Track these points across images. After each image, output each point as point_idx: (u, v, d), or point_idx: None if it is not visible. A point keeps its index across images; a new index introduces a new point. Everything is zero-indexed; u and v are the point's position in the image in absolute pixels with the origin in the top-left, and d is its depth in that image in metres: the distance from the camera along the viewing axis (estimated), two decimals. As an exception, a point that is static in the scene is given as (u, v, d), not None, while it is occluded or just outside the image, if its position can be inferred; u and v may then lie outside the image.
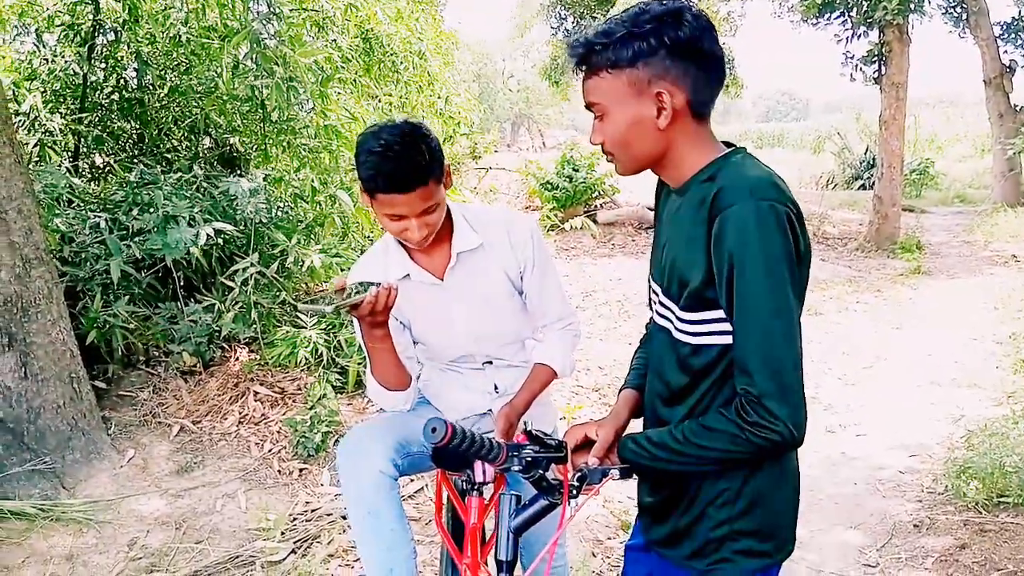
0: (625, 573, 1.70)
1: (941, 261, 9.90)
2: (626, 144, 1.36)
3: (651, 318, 1.59)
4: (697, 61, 1.30)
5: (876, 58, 10.73)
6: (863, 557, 3.28)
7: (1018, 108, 12.27)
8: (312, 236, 5.16)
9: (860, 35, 10.90)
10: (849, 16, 10.80)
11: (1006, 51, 12.39)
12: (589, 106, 1.38)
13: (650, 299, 1.56)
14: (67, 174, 4.76)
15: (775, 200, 1.23)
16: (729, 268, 1.24)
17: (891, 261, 10.05)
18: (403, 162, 1.68)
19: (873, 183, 11.50)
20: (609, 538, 3.39)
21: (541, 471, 1.45)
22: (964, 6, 12.12)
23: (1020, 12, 12.42)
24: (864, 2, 10.40)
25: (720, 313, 1.30)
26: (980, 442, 3.84)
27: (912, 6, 10.12)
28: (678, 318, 1.37)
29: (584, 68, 1.36)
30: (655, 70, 1.29)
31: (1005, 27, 12.38)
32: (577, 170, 12.09)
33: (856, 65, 11.08)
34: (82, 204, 4.68)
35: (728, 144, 1.41)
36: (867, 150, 16.52)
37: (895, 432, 4.51)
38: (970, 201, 14.78)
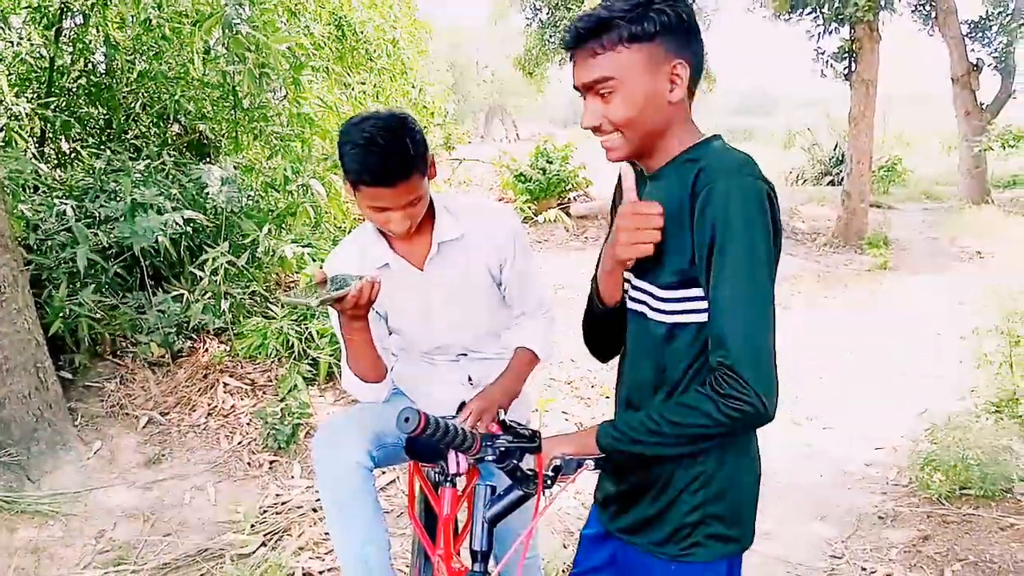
0: (577, 562, 1.71)
1: (908, 257, 10.06)
2: (637, 121, 1.34)
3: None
4: (698, 36, 1.35)
5: (847, 55, 10.85)
6: (829, 548, 3.33)
7: (984, 106, 12.48)
8: (283, 226, 5.11)
9: (831, 32, 11.03)
10: (820, 12, 10.91)
11: (973, 50, 12.60)
12: (593, 84, 1.34)
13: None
14: (33, 160, 4.67)
15: (757, 177, 1.26)
16: (711, 241, 1.26)
17: (859, 256, 10.19)
18: (388, 156, 1.67)
19: (842, 179, 11.64)
20: (580, 529, 3.41)
21: (515, 461, 1.45)
22: (933, 4, 12.29)
23: (987, 12, 12.62)
24: (835, -1, 10.52)
25: (698, 291, 1.31)
26: (943, 435, 3.91)
27: (882, 3, 10.25)
28: (655, 297, 1.38)
29: (593, 44, 1.32)
30: (673, 44, 1.31)
31: (972, 26, 12.60)
32: (551, 162, 12.09)
33: (827, 61, 11.22)
34: (48, 191, 4.60)
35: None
36: (836, 146, 16.72)
37: (861, 425, 4.58)
38: (937, 198, 15.03)
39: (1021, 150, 11.27)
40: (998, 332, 5.01)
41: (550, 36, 18.28)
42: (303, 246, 4.71)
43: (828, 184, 16.25)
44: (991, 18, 12.54)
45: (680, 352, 1.37)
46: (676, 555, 1.44)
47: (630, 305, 1.47)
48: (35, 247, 4.23)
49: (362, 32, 6.43)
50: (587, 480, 3.82)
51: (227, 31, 4.46)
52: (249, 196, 5.10)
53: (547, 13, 18.48)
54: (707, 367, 1.32)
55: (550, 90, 22.77)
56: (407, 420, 1.29)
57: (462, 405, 2.10)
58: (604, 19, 1.30)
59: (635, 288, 1.44)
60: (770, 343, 1.26)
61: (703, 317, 1.31)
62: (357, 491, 1.87)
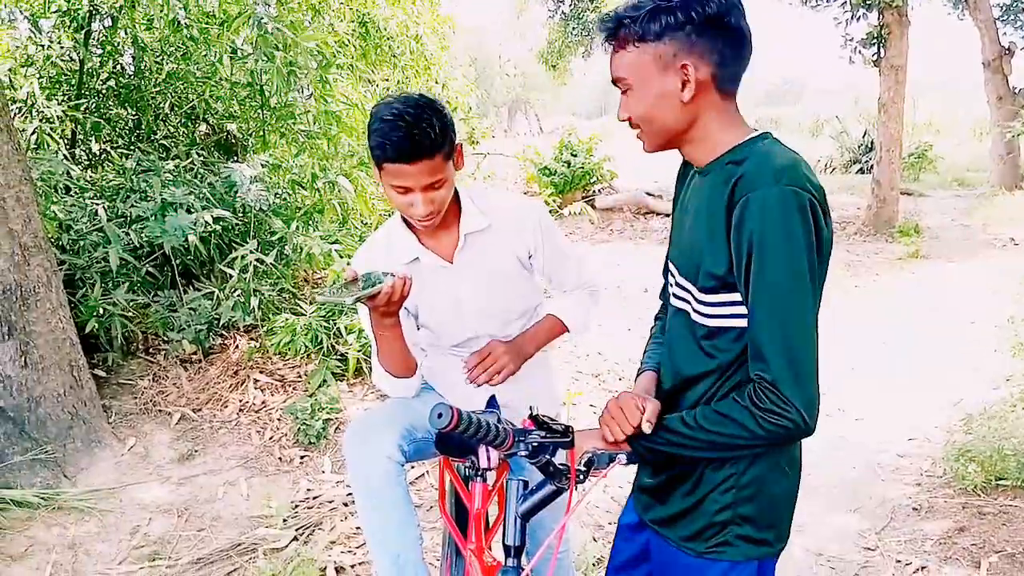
0: (616, 548, 1.71)
1: (939, 245, 9.90)
2: (651, 118, 1.38)
3: (663, 303, 1.60)
4: (724, 36, 1.31)
5: (875, 40, 10.67)
6: (862, 541, 3.29)
7: (1017, 91, 12.24)
8: (311, 223, 5.15)
9: (859, 17, 10.84)
10: (848, -1, 10.75)
11: (1005, 33, 12.37)
12: (616, 81, 1.40)
13: (667, 281, 1.57)
14: (64, 161, 4.74)
15: (798, 187, 1.23)
16: (748, 253, 1.25)
17: (889, 245, 10.04)
18: (412, 132, 1.67)
19: (871, 167, 11.48)
20: (610, 523, 3.40)
21: (548, 456, 1.45)
22: (963, -12, 12.08)
23: (1019, -6, 12.39)
24: (863, -16, 10.35)
25: (738, 296, 1.31)
26: (979, 426, 3.85)
27: (911, -12, 10.07)
28: (696, 299, 1.38)
29: (613, 42, 1.37)
30: (681, 44, 1.31)
31: (1004, 9, 12.36)
32: (575, 155, 12.06)
33: (855, 48, 11.03)
34: (80, 192, 4.67)
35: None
36: (865, 134, 16.49)
37: (894, 416, 4.52)
38: (968, 184, 14.77)
39: (1055, 135, 11.04)
40: (1034, 320, 4.93)
41: (573, 28, 18.21)
42: (331, 243, 4.74)
43: (857, 172, 16.03)
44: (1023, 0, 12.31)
45: (720, 353, 1.38)
46: (703, 552, 1.44)
47: (673, 301, 1.48)
48: (68, 247, 4.31)
49: (385, 29, 6.45)
50: (617, 474, 3.81)
51: (257, 30, 4.50)
52: (277, 194, 5.15)
53: (569, 5, 18.39)
54: (745, 371, 1.32)
55: (573, 83, 22.71)
56: (440, 416, 1.29)
57: (492, 399, 2.11)
58: (618, 18, 1.35)
59: (678, 285, 1.45)
60: (812, 357, 1.25)
61: (744, 322, 1.31)
62: (388, 485, 1.88)
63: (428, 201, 1.78)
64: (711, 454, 1.37)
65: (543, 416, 1.48)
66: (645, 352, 1.72)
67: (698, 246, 1.35)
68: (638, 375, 1.67)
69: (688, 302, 1.41)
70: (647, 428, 1.40)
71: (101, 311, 4.13)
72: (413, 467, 3.74)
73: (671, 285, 1.49)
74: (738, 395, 1.30)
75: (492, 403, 2.12)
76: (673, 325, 1.49)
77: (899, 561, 3.11)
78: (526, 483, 1.52)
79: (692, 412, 1.36)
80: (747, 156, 1.31)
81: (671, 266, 1.50)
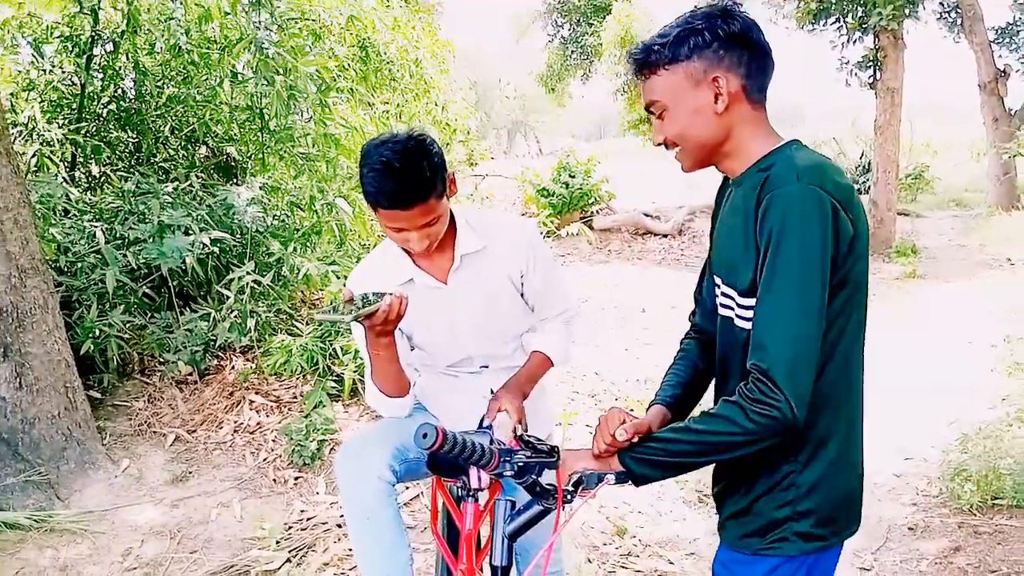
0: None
1: (936, 265, 9.92)
2: (688, 135, 1.44)
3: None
4: (748, 49, 1.40)
5: (871, 63, 10.77)
6: (859, 560, 3.28)
7: (1012, 112, 12.31)
8: (309, 244, 5.17)
9: (855, 40, 10.94)
10: (844, 22, 10.84)
11: (1000, 56, 12.45)
12: (649, 106, 1.48)
13: (703, 297, 1.65)
14: (64, 184, 4.77)
15: (819, 186, 1.28)
16: (767, 246, 1.29)
17: (887, 265, 10.06)
18: (404, 179, 1.69)
19: (869, 188, 11.53)
20: (605, 544, 3.39)
21: (534, 476, 1.46)
22: (959, 11, 12.17)
23: (1014, 17, 12.48)
24: (859, 8, 10.45)
25: None
26: (974, 445, 3.85)
27: (907, 12, 10.16)
28: (739, 304, 1.42)
29: (644, 71, 1.45)
30: (710, 60, 1.39)
31: (999, 32, 12.46)
32: (573, 176, 12.12)
33: (851, 71, 11.12)
34: (78, 214, 4.69)
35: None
36: (862, 155, 16.56)
37: (890, 435, 4.51)
38: (965, 205, 14.81)
39: (1051, 156, 11.10)
40: (1030, 340, 4.93)
41: (572, 52, 18.37)
42: (328, 264, 4.76)
43: (856, 192, 16.07)
44: (1018, 23, 12.39)
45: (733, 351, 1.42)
46: (760, 548, 1.45)
47: (720, 310, 1.51)
48: (65, 269, 4.32)
49: (385, 53, 6.50)
50: (612, 494, 3.81)
51: (258, 55, 4.54)
52: (275, 216, 5.17)
53: (568, 30, 18.57)
54: None
55: (572, 105, 22.84)
56: (425, 436, 1.30)
57: (481, 422, 2.12)
58: (647, 47, 1.44)
59: (723, 294, 1.48)
60: (810, 353, 1.28)
61: None
62: (380, 506, 1.88)
63: (424, 237, 1.81)
64: (704, 459, 1.39)
65: (528, 436, 1.49)
66: (663, 381, 1.74)
67: (737, 251, 1.40)
68: (650, 407, 1.68)
69: (732, 308, 1.45)
70: (620, 436, 1.43)
71: (97, 332, 4.13)
72: (408, 488, 3.73)
73: (717, 295, 1.52)
74: (732, 395, 1.32)
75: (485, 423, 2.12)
76: (722, 334, 1.52)
77: (895, 582, 3.10)
78: (513, 503, 1.53)
79: (674, 426, 1.38)
80: (775, 162, 1.38)
81: (715, 277, 1.53)
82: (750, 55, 1.40)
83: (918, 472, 4.07)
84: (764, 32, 1.43)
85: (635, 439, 1.45)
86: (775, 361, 1.26)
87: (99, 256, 4.27)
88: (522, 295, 2.08)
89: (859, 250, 1.34)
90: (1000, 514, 3.46)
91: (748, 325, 1.39)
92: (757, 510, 1.45)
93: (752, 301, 1.36)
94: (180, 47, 5.22)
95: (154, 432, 4.17)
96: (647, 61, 1.44)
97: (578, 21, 18.27)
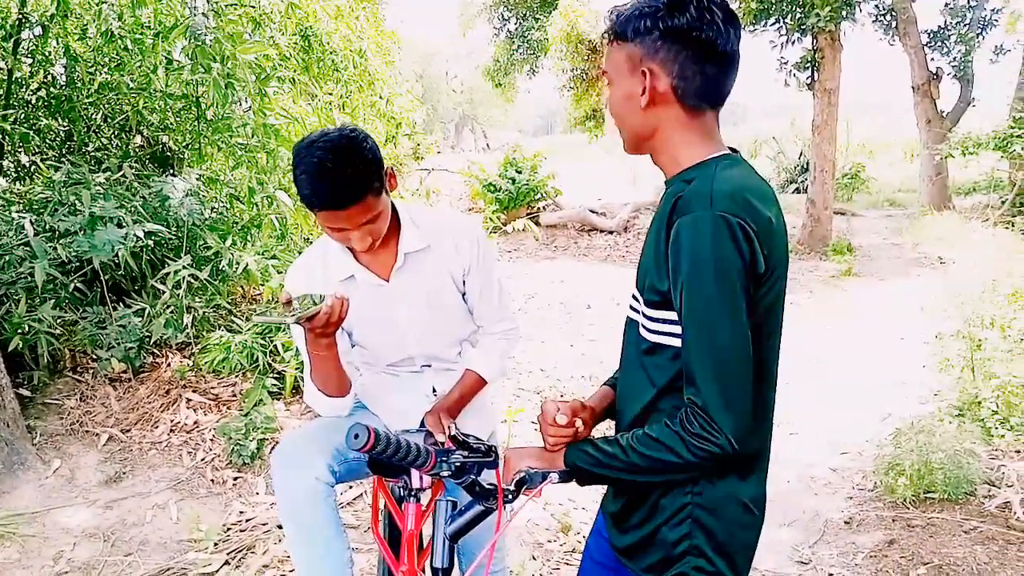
0: (588, 546, 1.68)
1: (871, 263, 10.21)
2: (620, 117, 1.41)
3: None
4: (692, 50, 1.30)
5: (809, 64, 11.01)
6: (796, 554, 3.35)
7: (945, 114, 12.71)
8: (248, 238, 5.05)
9: (794, 41, 11.17)
10: (784, 23, 11.06)
11: (933, 59, 12.82)
12: (603, 73, 1.44)
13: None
14: (-11, 173, 4.57)
15: (731, 212, 1.22)
16: (679, 276, 1.25)
17: (823, 263, 10.32)
18: (337, 180, 1.63)
19: (807, 187, 11.79)
20: (549, 541, 3.40)
21: (473, 476, 1.44)
22: (893, 14, 12.50)
23: (945, 22, 12.87)
24: (798, 9, 10.66)
25: (675, 315, 1.31)
26: (907, 440, 3.95)
27: (844, 14, 10.40)
28: (643, 314, 1.38)
29: (605, 35, 1.41)
30: (647, 49, 1.32)
31: (932, 35, 12.83)
32: (520, 172, 12.13)
33: (790, 71, 11.36)
34: (6, 205, 4.49)
35: (733, 150, 1.41)
36: (801, 154, 16.95)
37: (827, 430, 4.63)
38: (899, 205, 15.27)
39: (980, 157, 11.48)
40: (960, 337, 5.10)
41: (518, 47, 18.35)
42: (268, 258, 4.65)
43: (794, 192, 16.45)
44: (950, 28, 12.78)
45: (658, 370, 1.37)
46: None
47: (628, 312, 1.48)
48: (-9, 262, 4.14)
49: (328, 43, 6.39)
50: (557, 492, 3.81)
51: (193, 41, 4.41)
52: (213, 208, 5.03)
53: (515, 24, 18.55)
54: (679, 399, 1.31)
55: (520, 100, 22.85)
56: (357, 436, 1.27)
57: (423, 421, 2.09)
58: (610, 14, 1.39)
59: (633, 297, 1.45)
60: (742, 382, 1.24)
61: (679, 342, 1.30)
62: (317, 507, 1.84)
63: (364, 236, 1.76)
64: (644, 478, 1.35)
65: (463, 435, 1.47)
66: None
67: (649, 260, 1.35)
68: (601, 386, 1.66)
69: (638, 313, 1.41)
70: (561, 420, 1.42)
71: (26, 328, 3.96)
72: (351, 487, 3.68)
73: (630, 296, 1.49)
74: (670, 419, 1.29)
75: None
76: (625, 338, 1.49)
77: (832, 574, 3.17)
78: (455, 503, 1.51)
79: (627, 435, 1.35)
80: (697, 177, 1.31)
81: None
82: (689, 55, 1.30)
83: (854, 466, 4.17)
84: (728, 37, 1.31)
85: (577, 422, 1.45)
86: (708, 397, 1.23)
87: (28, 249, 4.10)
88: (463, 296, 2.06)
89: (774, 280, 1.30)
90: (932, 507, 3.57)
91: (648, 335, 1.37)
92: (657, 542, 1.41)
93: (655, 313, 1.34)
94: (113, 32, 5.03)
95: (87, 431, 4.03)
96: (608, 27, 1.39)
97: (524, 15, 18.27)
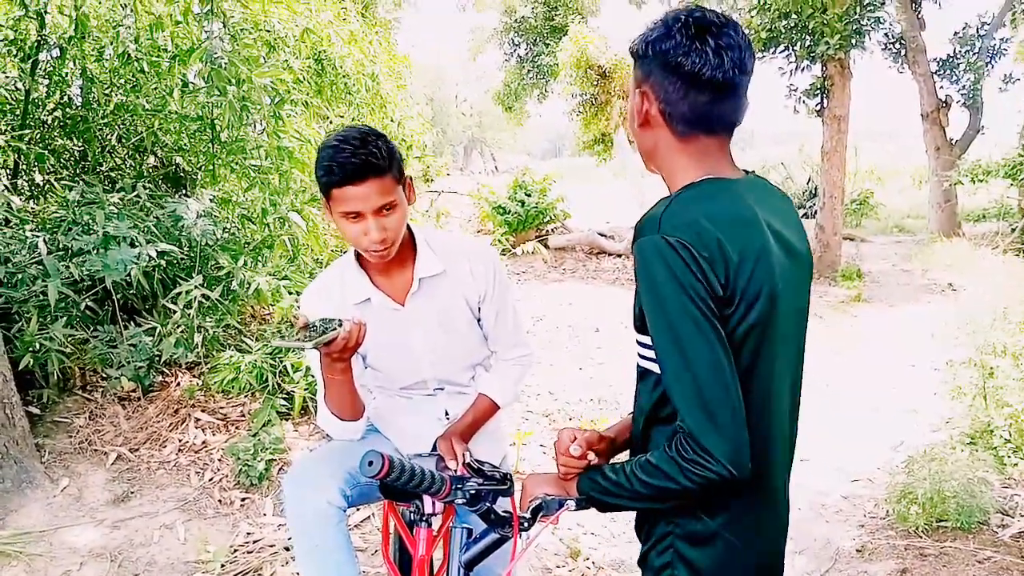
0: None
1: (880, 289, 10.17)
2: (631, 130, 1.43)
3: None
4: (673, 76, 1.29)
5: (818, 91, 11.04)
6: (808, 583, 3.31)
7: (954, 142, 12.72)
8: (260, 258, 5.07)
9: (803, 68, 11.22)
10: (793, 50, 11.11)
11: (942, 87, 12.86)
12: None
13: None
14: (5, 192, 4.61)
15: (674, 236, 1.20)
16: (642, 300, 1.26)
17: (832, 288, 10.28)
18: (359, 152, 1.69)
19: (815, 212, 11.79)
20: (558, 566, 3.37)
21: (488, 503, 1.43)
22: (903, 43, 12.56)
23: (955, 50, 12.92)
24: (807, 37, 10.72)
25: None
26: (920, 467, 3.92)
27: (853, 42, 10.45)
28: (636, 340, 1.38)
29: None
30: (644, 72, 1.34)
31: (941, 64, 12.87)
32: (529, 195, 12.17)
33: (800, 98, 11.39)
34: (20, 223, 4.53)
35: (747, 172, 1.41)
36: (809, 180, 16.96)
37: (838, 458, 4.59)
38: (908, 231, 15.25)
39: (990, 185, 11.47)
40: (971, 364, 5.06)
41: (528, 72, 18.49)
42: (280, 279, 4.67)
43: (803, 217, 16.43)
44: (959, 56, 12.82)
45: (645, 397, 1.37)
46: None
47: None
48: (5, 281, 4.16)
49: (341, 67, 6.46)
50: (566, 517, 3.78)
51: (209, 65, 4.46)
52: (225, 228, 5.06)
53: (525, 49, 18.71)
54: (669, 424, 1.30)
55: (529, 124, 22.98)
56: (371, 464, 1.27)
57: (435, 445, 2.08)
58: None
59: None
60: (725, 403, 1.20)
61: (658, 368, 1.29)
62: (328, 531, 1.84)
63: (381, 227, 1.76)
64: (649, 505, 1.34)
65: (478, 463, 1.46)
66: None
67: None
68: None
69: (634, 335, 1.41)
70: (575, 451, 1.41)
71: (37, 346, 3.98)
72: (359, 509, 3.66)
73: None
74: (668, 445, 1.26)
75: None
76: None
77: (843, 604, 3.13)
78: (470, 531, 1.50)
79: (631, 462, 1.34)
80: (667, 201, 1.29)
81: None
82: (674, 82, 1.29)
83: (865, 494, 4.13)
84: (718, 66, 1.27)
85: (591, 455, 1.43)
86: (693, 423, 1.20)
87: (41, 267, 4.12)
88: (479, 321, 2.06)
89: (749, 308, 1.24)
90: (945, 536, 3.53)
91: (640, 362, 1.37)
92: (648, 566, 1.41)
93: (639, 337, 1.34)
94: (129, 55, 5.10)
95: (95, 450, 4.03)
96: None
97: (534, 41, 18.44)
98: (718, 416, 1.19)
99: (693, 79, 1.28)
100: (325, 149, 1.72)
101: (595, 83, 14.99)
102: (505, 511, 1.45)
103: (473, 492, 1.42)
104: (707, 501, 1.31)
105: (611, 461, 1.50)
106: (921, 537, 3.56)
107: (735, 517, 1.34)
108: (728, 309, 1.23)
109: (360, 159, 1.69)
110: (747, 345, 1.25)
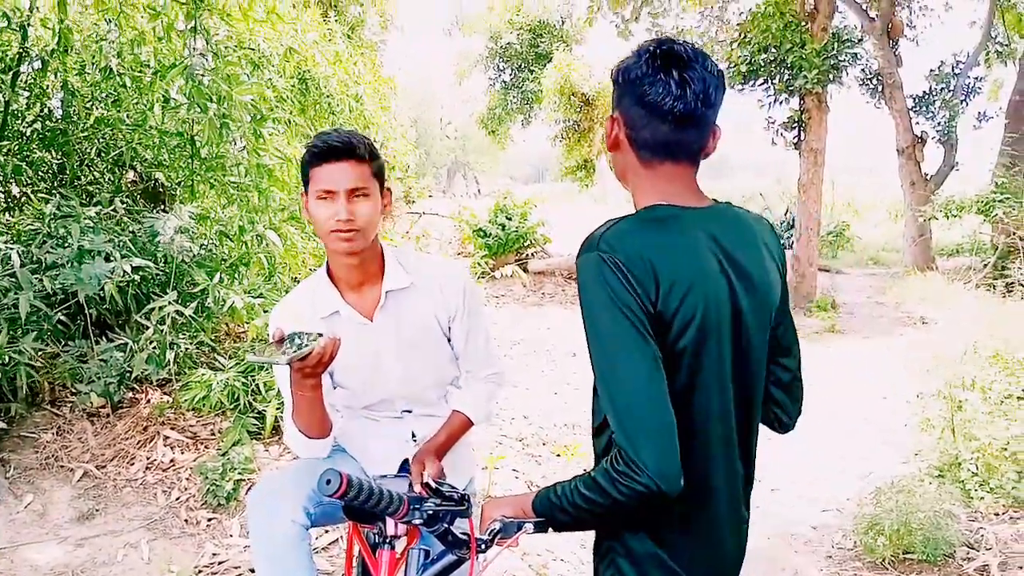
0: None
1: (854, 321, 10.27)
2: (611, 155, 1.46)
3: None
4: (642, 106, 1.33)
5: (796, 124, 11.21)
6: (775, 613, 3.32)
7: (928, 177, 12.92)
8: (236, 276, 5.05)
9: (782, 102, 11.39)
10: (772, 83, 11.29)
11: (918, 123, 13.07)
12: None
13: None
14: (-21, 204, 4.58)
15: (607, 253, 1.24)
16: (581, 315, 1.29)
17: (807, 319, 10.37)
18: (342, 138, 1.83)
19: (792, 243, 11.92)
20: None
21: (446, 525, 1.43)
22: (880, 79, 12.79)
23: (931, 87, 13.17)
24: (786, 71, 10.90)
25: None
26: (887, 499, 3.95)
27: (831, 76, 10.64)
28: None
29: None
30: (617, 97, 1.39)
31: (917, 100, 13.10)
32: (510, 218, 12.22)
33: (777, 130, 11.55)
34: (-7, 235, 4.50)
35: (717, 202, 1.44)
36: (787, 211, 17.16)
37: (808, 487, 4.61)
38: (883, 263, 15.43)
39: (963, 220, 11.65)
40: (941, 397, 5.12)
41: (512, 97, 18.64)
42: (255, 296, 4.65)
43: (780, 248, 16.58)
44: (935, 93, 13.06)
45: (594, 414, 1.41)
46: None
47: None
48: (-25, 292, 4.12)
49: (325, 87, 6.49)
50: (535, 542, 3.77)
51: (191, 81, 4.47)
52: (202, 245, 5.04)
53: (510, 75, 18.87)
54: (605, 438, 1.33)
55: (512, 148, 23.12)
56: (329, 482, 1.28)
57: (405, 463, 2.08)
58: None
59: None
60: (654, 418, 1.21)
61: None
62: (291, 550, 1.83)
63: (350, 211, 1.81)
64: (592, 521, 1.36)
65: (437, 483, 1.47)
66: None
67: None
68: None
69: None
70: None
71: (7, 359, 3.93)
72: (327, 532, 3.63)
73: None
74: (605, 460, 1.28)
75: (405, 468, 2.09)
76: None
77: (808, 634, 3.14)
78: (427, 552, 1.50)
79: (576, 477, 1.35)
80: (611, 220, 1.33)
81: None
82: (640, 111, 1.33)
83: (834, 524, 4.15)
84: (687, 95, 1.29)
85: None
86: (623, 435, 1.21)
87: (13, 279, 4.08)
88: (449, 341, 2.07)
89: (687, 330, 1.26)
90: (911, 568, 3.55)
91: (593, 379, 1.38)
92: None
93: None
94: (112, 69, 5.10)
95: (61, 466, 3.98)
96: None
97: (519, 67, 18.61)
98: (646, 431, 1.21)
99: (654, 108, 1.32)
100: (313, 139, 1.87)
101: (578, 110, 15.15)
102: (463, 532, 1.45)
103: (431, 512, 1.43)
104: (647, 521, 1.33)
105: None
106: (887, 569, 3.58)
107: (671, 541, 1.35)
108: (662, 329, 1.26)
109: (342, 142, 1.82)
110: (682, 366, 1.28)
